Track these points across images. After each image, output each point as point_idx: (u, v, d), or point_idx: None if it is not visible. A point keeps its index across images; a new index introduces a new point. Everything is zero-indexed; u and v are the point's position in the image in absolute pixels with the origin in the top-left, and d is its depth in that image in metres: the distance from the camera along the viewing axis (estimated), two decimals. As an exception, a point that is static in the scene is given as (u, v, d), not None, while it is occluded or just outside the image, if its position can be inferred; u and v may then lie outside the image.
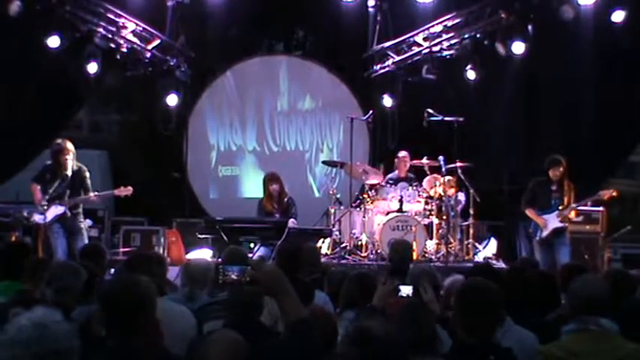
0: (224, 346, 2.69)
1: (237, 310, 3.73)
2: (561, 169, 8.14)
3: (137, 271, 4.11)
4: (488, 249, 9.81)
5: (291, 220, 8.72)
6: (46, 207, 7.82)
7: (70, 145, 8.13)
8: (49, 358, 2.14)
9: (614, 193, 8.27)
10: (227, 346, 2.69)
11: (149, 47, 10.56)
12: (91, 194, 8.17)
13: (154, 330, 3.52)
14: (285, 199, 8.90)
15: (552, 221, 8.19)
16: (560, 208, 8.16)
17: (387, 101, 11.24)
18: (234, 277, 2.74)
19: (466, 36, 10.18)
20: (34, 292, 4.32)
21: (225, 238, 8.06)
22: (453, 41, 10.36)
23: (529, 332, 3.63)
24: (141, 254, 4.90)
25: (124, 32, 10.19)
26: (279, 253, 5.52)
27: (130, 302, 2.94)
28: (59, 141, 8.26)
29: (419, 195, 9.52)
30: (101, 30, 9.88)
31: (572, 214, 8.31)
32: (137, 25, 10.31)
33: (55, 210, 7.92)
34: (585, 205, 8.76)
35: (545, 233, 8.22)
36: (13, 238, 8.23)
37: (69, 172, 8.02)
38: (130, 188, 8.31)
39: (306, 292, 4.61)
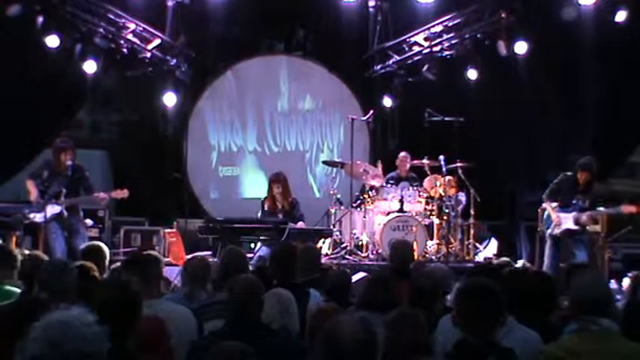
0: (354, 324, 2.62)
1: (237, 309, 3.73)
2: (589, 173, 7.88)
3: (134, 273, 4.10)
4: (489, 249, 9.81)
5: (300, 222, 8.71)
6: (42, 205, 7.80)
7: (73, 147, 8.10)
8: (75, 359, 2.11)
9: (635, 210, 7.96)
10: (357, 324, 2.62)
11: (149, 47, 10.56)
12: (101, 193, 8.14)
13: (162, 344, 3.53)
14: (290, 200, 8.87)
15: (567, 221, 7.98)
16: (579, 210, 7.94)
17: (388, 101, 11.26)
18: None
19: (466, 36, 10.20)
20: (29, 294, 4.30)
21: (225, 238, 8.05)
22: (453, 41, 10.38)
23: (533, 332, 3.61)
24: (138, 255, 4.90)
25: (124, 32, 10.19)
26: (273, 257, 5.41)
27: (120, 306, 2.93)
28: (64, 139, 8.22)
29: (419, 195, 9.51)
30: (101, 30, 9.89)
31: (589, 221, 8.04)
32: (137, 25, 10.31)
33: (52, 209, 7.90)
34: (603, 215, 8.47)
35: (556, 231, 8.05)
36: (14, 238, 8.22)
37: (68, 172, 8.00)
38: (126, 191, 8.26)
39: (301, 294, 4.61)
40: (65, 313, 2.20)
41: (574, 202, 8.01)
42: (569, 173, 8.09)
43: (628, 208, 7.97)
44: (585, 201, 7.97)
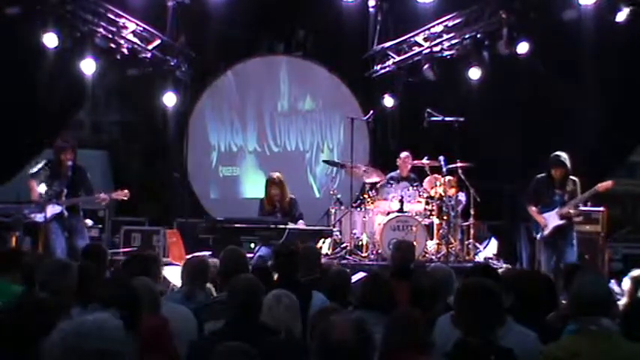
0: (348, 324, 2.63)
1: (237, 309, 3.73)
2: (562, 168, 7.92)
3: (134, 272, 4.11)
4: (489, 249, 9.80)
5: (299, 221, 8.69)
6: (43, 205, 7.80)
7: (74, 146, 8.11)
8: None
9: (610, 185, 7.94)
10: (350, 325, 2.63)
11: (149, 47, 10.57)
12: (102, 194, 8.16)
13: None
14: (287, 200, 8.83)
15: (552, 220, 7.99)
16: (560, 205, 7.96)
17: (388, 101, 11.24)
18: None
19: (467, 36, 10.20)
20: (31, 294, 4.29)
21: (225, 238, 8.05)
22: (453, 41, 10.38)
23: (531, 332, 3.61)
24: (137, 255, 4.89)
25: (124, 32, 10.19)
26: (277, 255, 5.45)
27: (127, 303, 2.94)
28: (65, 139, 8.22)
29: (419, 195, 9.51)
30: (101, 30, 9.88)
31: (573, 211, 8.06)
32: (137, 25, 10.31)
33: (52, 209, 7.90)
34: (584, 203, 8.59)
35: (546, 232, 8.07)
36: (14, 238, 8.22)
37: (68, 172, 8.01)
38: (127, 192, 8.27)
39: (303, 293, 4.61)
40: (89, 316, 2.19)
41: (555, 198, 8.04)
42: (542, 174, 8.12)
43: (604, 185, 7.95)
44: (565, 195, 7.99)
